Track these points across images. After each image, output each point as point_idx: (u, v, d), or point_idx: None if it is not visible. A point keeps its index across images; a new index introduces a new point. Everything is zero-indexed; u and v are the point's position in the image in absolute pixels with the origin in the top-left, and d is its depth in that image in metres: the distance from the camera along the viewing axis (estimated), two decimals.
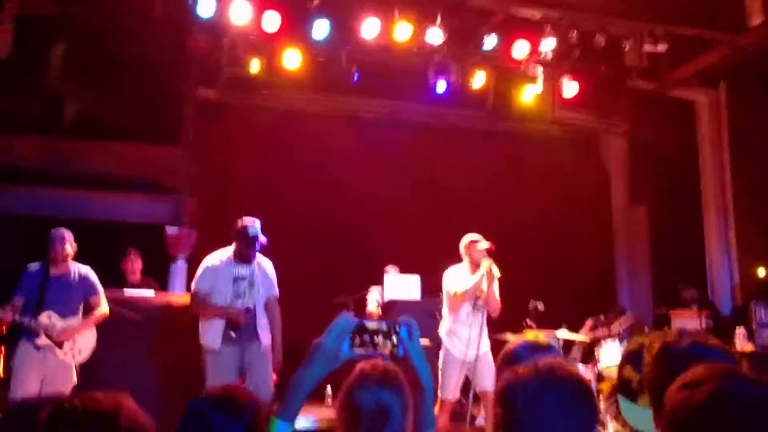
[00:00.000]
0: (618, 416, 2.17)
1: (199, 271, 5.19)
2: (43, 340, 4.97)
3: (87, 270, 5.29)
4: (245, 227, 5.08)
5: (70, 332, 5.08)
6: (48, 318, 5.01)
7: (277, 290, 5.33)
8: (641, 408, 2.09)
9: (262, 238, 5.12)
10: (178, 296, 6.58)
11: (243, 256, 5.14)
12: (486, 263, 5.19)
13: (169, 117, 8.00)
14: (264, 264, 5.30)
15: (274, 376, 5.17)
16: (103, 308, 5.30)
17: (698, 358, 1.48)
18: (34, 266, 5.13)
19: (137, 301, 5.95)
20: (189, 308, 5.29)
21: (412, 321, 1.78)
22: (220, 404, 1.89)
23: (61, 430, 1.31)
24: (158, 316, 5.90)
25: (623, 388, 2.18)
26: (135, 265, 6.71)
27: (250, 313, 5.08)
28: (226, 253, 5.19)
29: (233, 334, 5.01)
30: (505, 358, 2.41)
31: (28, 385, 4.87)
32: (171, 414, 1.93)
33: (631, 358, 2.24)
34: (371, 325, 1.73)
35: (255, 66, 7.39)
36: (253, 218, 5.18)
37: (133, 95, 7.56)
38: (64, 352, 5.04)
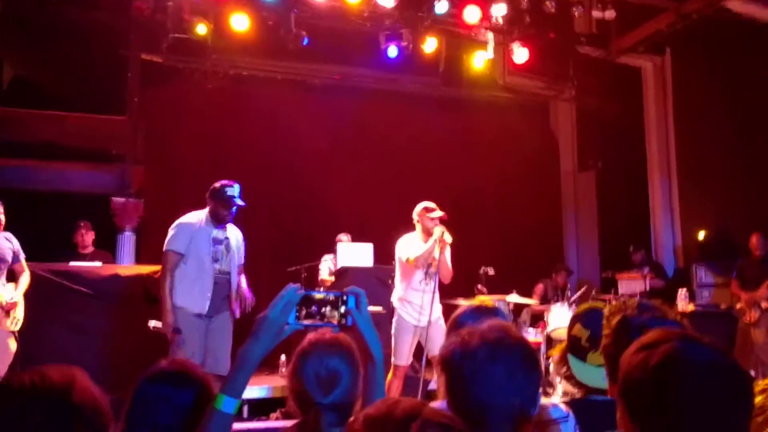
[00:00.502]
0: (569, 376, 2.22)
1: (173, 231, 4.90)
2: None
3: (3, 239, 5.04)
4: (223, 187, 4.90)
5: (18, 300, 4.95)
6: None
7: (243, 259, 5.23)
8: (591, 366, 2.15)
9: (240, 202, 4.94)
10: (127, 267, 6.45)
11: (219, 218, 4.93)
12: (438, 230, 5.22)
13: (114, 83, 7.73)
14: (235, 231, 5.15)
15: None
16: (28, 272, 5.13)
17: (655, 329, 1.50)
18: None
19: (83, 274, 5.79)
20: (161, 270, 4.94)
21: (359, 290, 1.78)
22: (170, 377, 1.88)
23: (10, 409, 1.27)
24: (106, 288, 5.72)
25: (573, 346, 2.23)
26: (86, 237, 6.56)
27: (178, 336, 4.75)
28: (200, 214, 4.98)
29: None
30: (452, 324, 2.45)
31: None
32: (120, 384, 1.90)
33: (580, 318, 2.30)
34: (318, 295, 1.72)
35: (201, 29, 7.19)
36: (232, 181, 4.99)
37: (75, 60, 7.29)
38: (8, 321, 4.90)
